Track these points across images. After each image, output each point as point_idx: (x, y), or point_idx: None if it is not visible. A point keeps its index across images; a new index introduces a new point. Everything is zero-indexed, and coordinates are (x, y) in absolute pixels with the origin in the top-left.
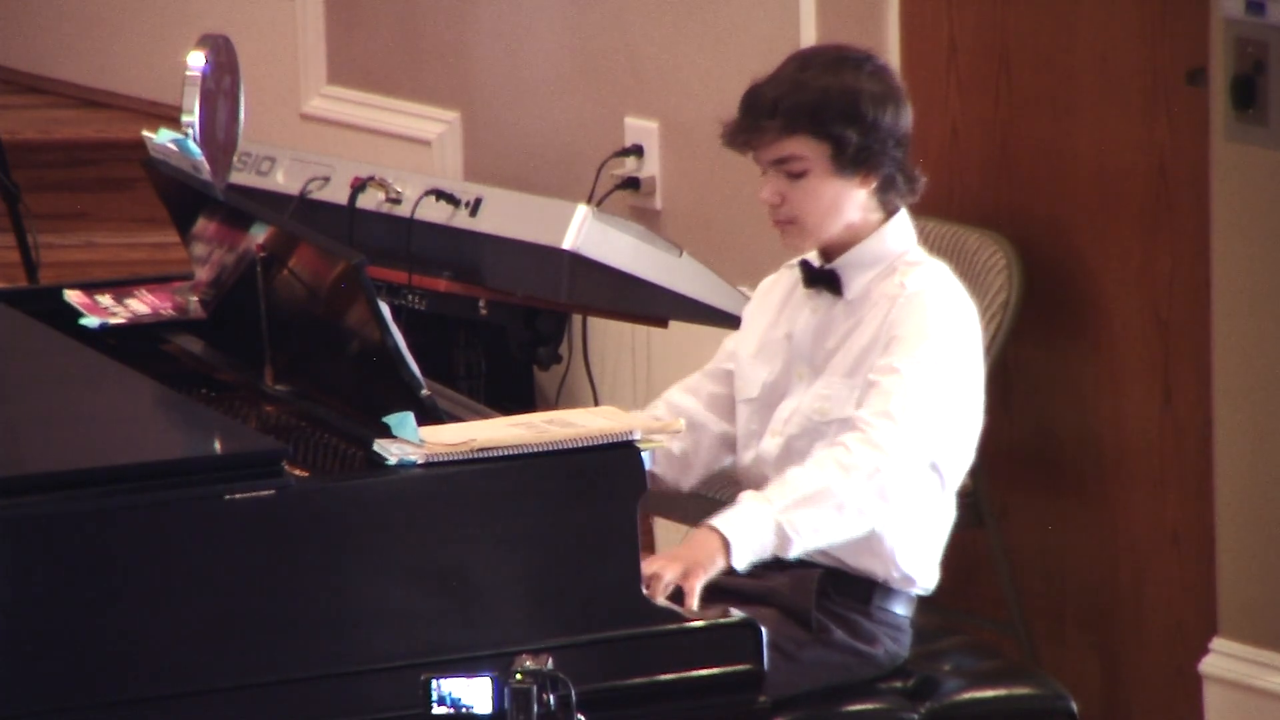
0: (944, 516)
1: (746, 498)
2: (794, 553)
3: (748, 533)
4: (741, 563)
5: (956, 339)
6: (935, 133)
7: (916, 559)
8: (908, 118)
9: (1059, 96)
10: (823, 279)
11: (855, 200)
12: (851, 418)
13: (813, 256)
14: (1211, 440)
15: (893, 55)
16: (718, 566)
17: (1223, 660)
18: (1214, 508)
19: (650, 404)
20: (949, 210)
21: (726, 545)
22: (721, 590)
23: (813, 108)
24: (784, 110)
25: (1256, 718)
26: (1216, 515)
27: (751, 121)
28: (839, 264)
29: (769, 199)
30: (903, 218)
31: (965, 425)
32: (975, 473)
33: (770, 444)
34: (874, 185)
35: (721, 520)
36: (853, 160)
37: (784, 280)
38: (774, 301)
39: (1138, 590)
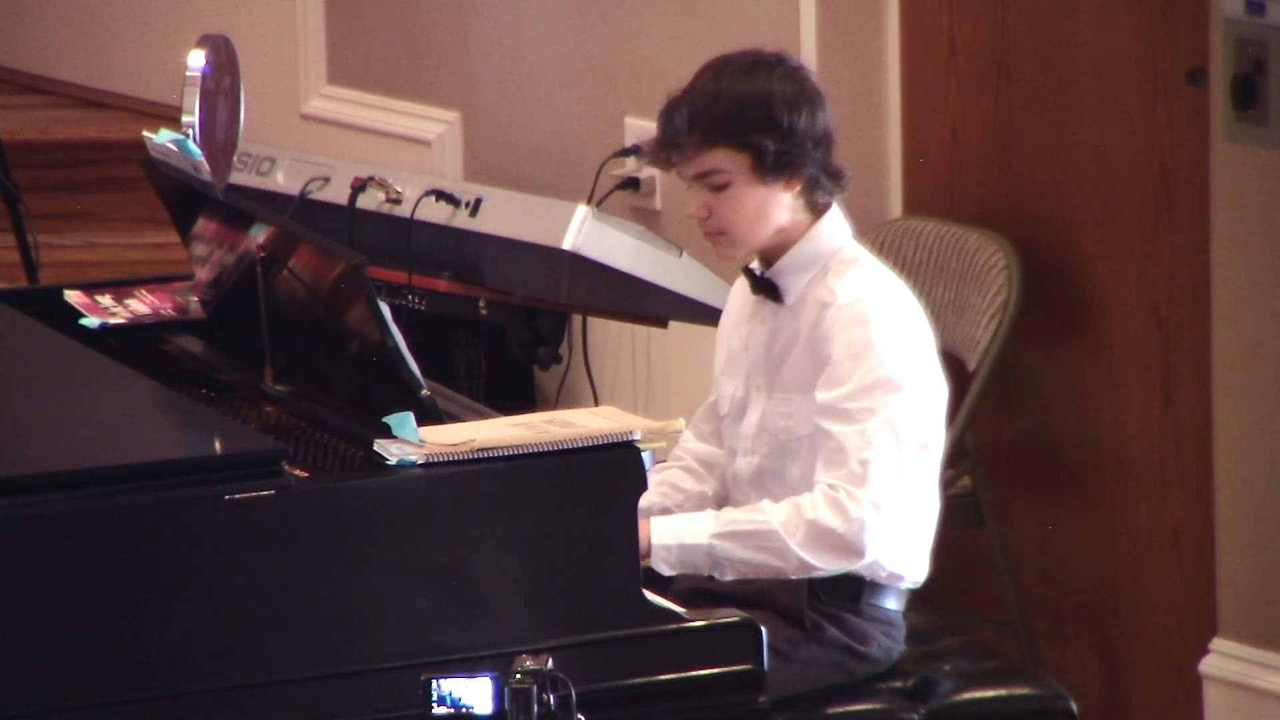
0: (928, 508)
1: (705, 515)
2: (728, 577)
3: (675, 544)
4: (661, 569)
5: (894, 344)
6: (935, 133)
7: (902, 555)
8: (825, 116)
9: (1059, 96)
10: (764, 287)
11: (781, 205)
12: (818, 482)
13: (755, 264)
14: (1211, 440)
15: (893, 55)
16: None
17: (1223, 660)
18: (1214, 508)
19: (671, 455)
20: (949, 210)
21: (649, 547)
22: (712, 594)
23: (727, 119)
24: (700, 125)
25: (1256, 718)
26: (1216, 515)
27: (670, 138)
28: (775, 271)
29: (696, 213)
30: (834, 215)
31: (933, 407)
32: (975, 472)
33: (744, 464)
34: (798, 188)
35: (661, 525)
36: (773, 167)
37: (743, 288)
38: (734, 313)
39: (1138, 590)
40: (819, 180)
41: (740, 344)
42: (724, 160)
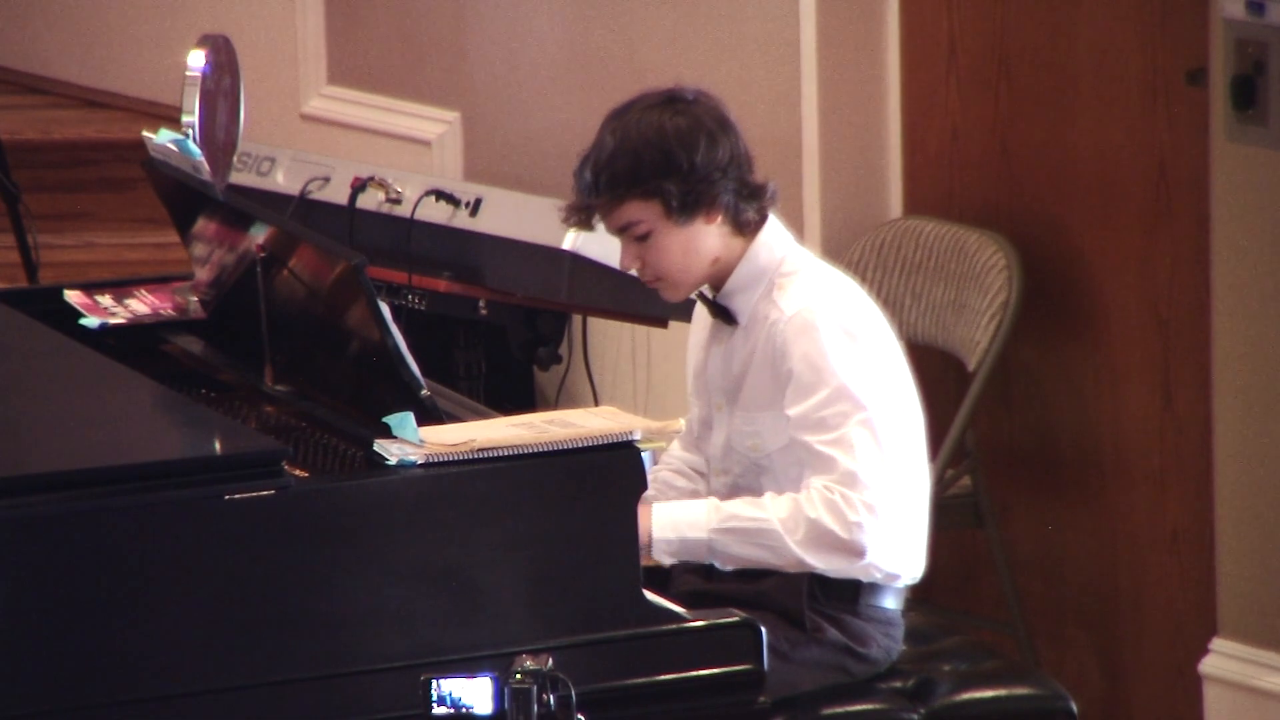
0: (917, 503)
1: (707, 504)
2: (727, 569)
3: (676, 538)
4: (662, 559)
5: (848, 346)
6: (935, 133)
7: (896, 556)
8: (729, 141)
9: (1059, 96)
10: (719, 312)
11: (708, 237)
12: (811, 484)
13: (707, 289)
14: (1211, 440)
15: (893, 55)
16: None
17: (1223, 660)
18: (1214, 508)
19: (661, 460)
20: (949, 210)
21: (650, 537)
22: (712, 596)
23: (629, 172)
24: (605, 183)
25: (1256, 718)
26: (1216, 515)
27: (583, 200)
28: (724, 295)
29: (628, 265)
30: (771, 228)
31: (901, 399)
32: (975, 472)
33: (719, 483)
34: (719, 218)
35: (662, 515)
36: (684, 207)
37: (703, 311)
38: (697, 335)
39: (1138, 590)
40: (736, 205)
41: (701, 365)
42: (637, 212)
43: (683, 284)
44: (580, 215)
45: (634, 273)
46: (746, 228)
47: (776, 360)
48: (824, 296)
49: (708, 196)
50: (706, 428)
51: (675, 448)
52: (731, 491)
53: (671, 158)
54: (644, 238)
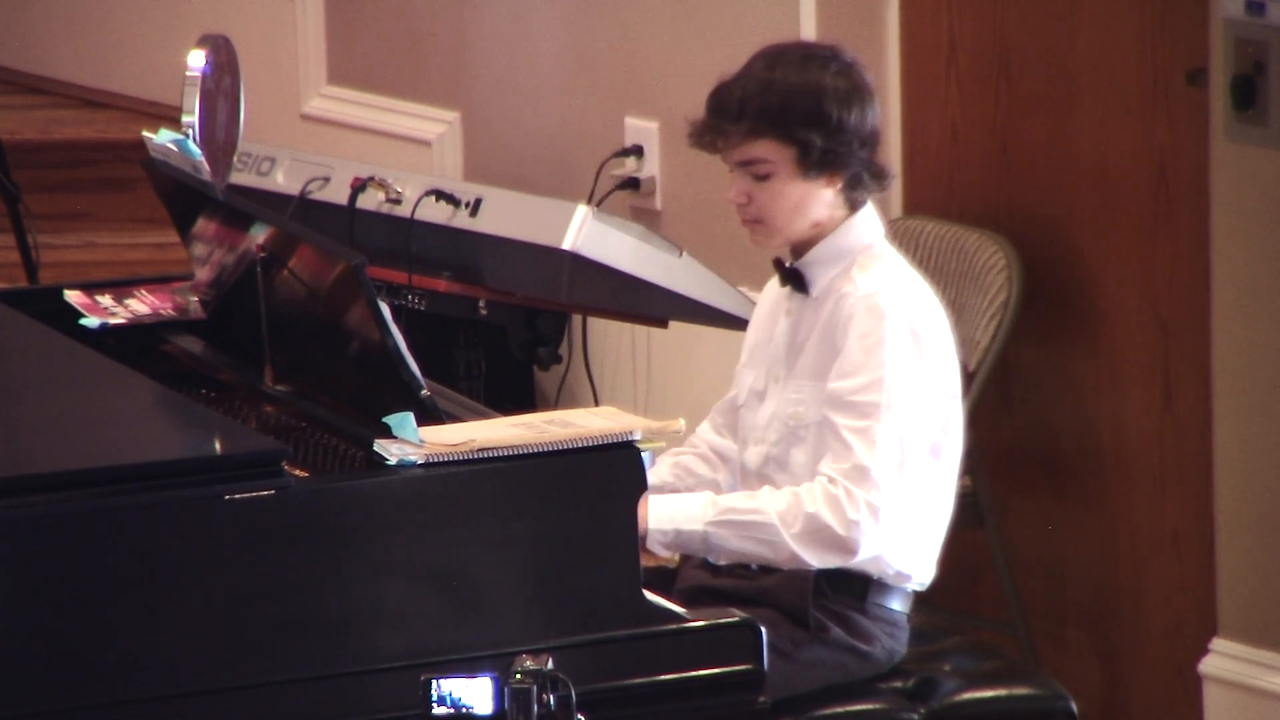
0: (939, 511)
1: (704, 498)
2: (722, 562)
3: (672, 529)
4: (658, 550)
5: (907, 343)
6: (935, 133)
7: (911, 556)
8: (874, 114)
9: (1059, 96)
10: (792, 278)
11: (821, 200)
12: (820, 472)
13: (785, 254)
14: (1211, 440)
15: (892, 55)
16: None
17: (1223, 660)
18: (1214, 508)
19: (688, 442)
20: (949, 210)
21: (646, 530)
22: (716, 592)
23: (777, 111)
24: (749, 113)
25: (1256, 718)
26: (1216, 515)
27: (717, 123)
28: (804, 262)
29: (736, 199)
30: (868, 212)
31: (945, 410)
32: (975, 473)
33: (753, 454)
34: (840, 185)
35: (659, 508)
36: (818, 163)
37: (775, 285)
38: (766, 307)
39: (1138, 590)
40: (862, 178)
41: (766, 335)
42: (769, 151)
43: (779, 234)
44: (707, 138)
45: (736, 206)
46: (854, 203)
47: (837, 333)
48: (902, 289)
49: (842, 160)
50: (758, 399)
51: (704, 429)
52: (763, 464)
53: (824, 111)
54: (764, 178)
